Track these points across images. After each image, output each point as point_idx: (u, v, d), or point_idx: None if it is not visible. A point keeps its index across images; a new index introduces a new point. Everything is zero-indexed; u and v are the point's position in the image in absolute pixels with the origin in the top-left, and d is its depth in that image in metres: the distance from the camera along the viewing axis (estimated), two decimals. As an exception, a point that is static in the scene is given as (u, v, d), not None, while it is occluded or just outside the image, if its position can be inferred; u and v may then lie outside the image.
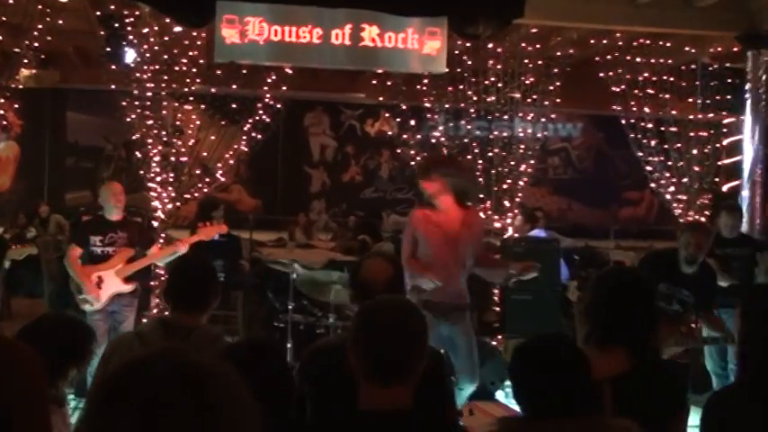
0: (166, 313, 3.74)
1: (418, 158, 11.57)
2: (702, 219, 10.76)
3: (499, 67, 10.14)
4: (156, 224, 9.36)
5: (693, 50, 10.19)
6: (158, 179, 9.51)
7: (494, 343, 8.81)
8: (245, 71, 9.94)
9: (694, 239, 6.28)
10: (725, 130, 10.93)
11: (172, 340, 3.19)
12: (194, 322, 3.42)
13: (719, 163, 11.15)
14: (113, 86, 9.83)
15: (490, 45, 9.95)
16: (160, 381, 1.16)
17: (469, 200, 5.68)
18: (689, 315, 5.99)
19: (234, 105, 10.50)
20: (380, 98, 12.18)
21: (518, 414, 2.54)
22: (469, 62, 10.24)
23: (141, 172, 9.62)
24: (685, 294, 6.00)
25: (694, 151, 10.97)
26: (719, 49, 9.99)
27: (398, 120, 11.97)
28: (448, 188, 5.52)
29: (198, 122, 10.16)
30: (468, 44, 9.61)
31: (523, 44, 10.06)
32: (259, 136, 10.61)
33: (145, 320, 7.39)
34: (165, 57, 9.36)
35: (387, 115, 12.89)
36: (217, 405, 1.16)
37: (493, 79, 10.22)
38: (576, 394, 2.38)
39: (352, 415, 2.33)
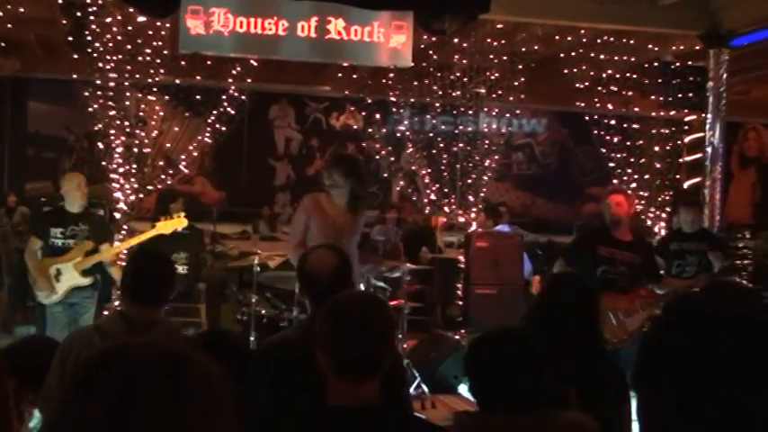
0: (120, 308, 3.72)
1: (383, 152, 11.59)
2: (663, 215, 10.91)
3: (465, 62, 10.18)
4: (118, 216, 9.28)
5: (656, 48, 10.29)
6: (121, 170, 9.42)
7: (457, 337, 8.85)
8: (209, 62, 9.88)
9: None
10: (686, 127, 11.07)
11: (133, 334, 3.17)
12: (154, 315, 3.41)
13: (681, 160, 11.29)
14: (75, 76, 9.71)
15: (456, 40, 9.98)
16: (139, 362, 1.19)
17: (359, 207, 5.76)
18: (639, 279, 6.15)
19: (198, 97, 10.43)
20: (346, 91, 12.17)
21: (475, 409, 2.55)
22: (435, 57, 10.27)
23: (103, 163, 9.51)
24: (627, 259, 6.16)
25: (656, 148, 11.10)
26: (682, 47, 10.10)
27: (364, 113, 11.97)
28: (346, 187, 5.66)
29: (161, 113, 10.07)
30: (433, 39, 9.63)
31: (489, 40, 10.10)
32: (223, 128, 10.55)
33: (106, 313, 7.33)
34: (129, 47, 9.26)
35: (352, 109, 12.88)
36: (193, 390, 1.18)
37: (458, 74, 10.26)
38: (530, 389, 2.40)
39: (320, 410, 2.32)
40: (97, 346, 1.31)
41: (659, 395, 1.15)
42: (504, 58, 10.33)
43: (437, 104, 10.75)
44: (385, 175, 13.13)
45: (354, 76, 11.63)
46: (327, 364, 2.34)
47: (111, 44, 9.15)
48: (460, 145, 10.47)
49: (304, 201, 5.93)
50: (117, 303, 8.43)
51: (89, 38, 9.02)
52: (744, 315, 1.15)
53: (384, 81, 10.92)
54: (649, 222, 11.31)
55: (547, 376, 2.45)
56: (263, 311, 7.95)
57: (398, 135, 11.42)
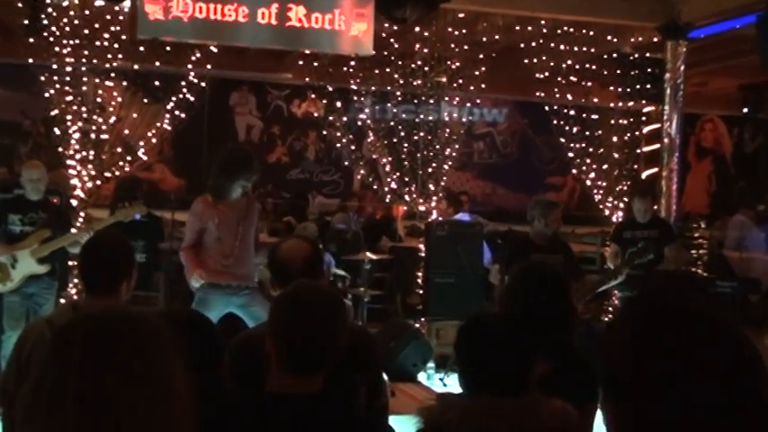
0: (75, 297, 3.61)
1: (344, 140, 11.57)
2: (621, 205, 11.03)
3: (426, 51, 10.19)
4: (75, 203, 9.17)
5: (615, 40, 10.39)
6: (78, 157, 9.30)
7: (417, 325, 8.89)
8: (168, 48, 9.77)
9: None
10: (644, 118, 11.19)
11: None
12: (108, 305, 3.28)
13: (639, 150, 11.41)
14: (32, 60, 9.56)
15: (417, 29, 9.98)
16: (103, 323, 1.43)
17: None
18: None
19: (157, 83, 10.30)
20: (307, 79, 12.12)
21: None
22: (396, 45, 10.27)
23: (60, 149, 9.39)
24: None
25: (615, 138, 11.21)
26: (640, 39, 10.21)
27: (325, 101, 11.94)
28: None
29: (119, 99, 9.95)
30: (395, 27, 9.63)
31: (450, 29, 10.12)
32: (183, 114, 10.45)
33: (63, 301, 7.26)
34: (86, 31, 9.14)
35: (313, 96, 12.82)
36: (148, 348, 1.40)
37: (419, 63, 10.27)
38: (519, 374, 2.42)
39: (260, 397, 2.33)
40: (48, 339, 1.44)
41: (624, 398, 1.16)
42: (465, 47, 10.36)
43: (398, 93, 10.76)
44: (346, 163, 13.12)
45: (316, 64, 11.58)
46: (275, 352, 2.34)
47: (68, 28, 9.02)
48: (421, 134, 10.49)
49: (194, 203, 6.12)
50: (74, 291, 8.35)
51: (45, 22, 8.89)
52: (700, 314, 1.16)
53: (345, 69, 10.90)
54: (607, 212, 11.43)
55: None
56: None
57: (359, 123, 11.41)
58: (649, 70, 10.08)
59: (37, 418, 1.33)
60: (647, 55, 10.16)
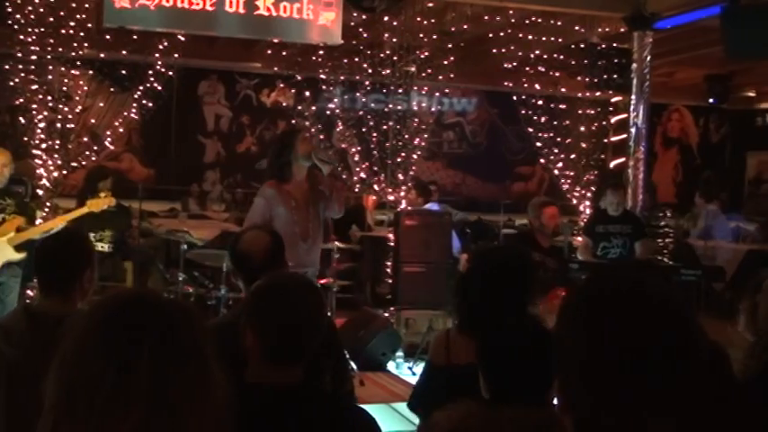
0: (28, 301, 3.46)
1: (313, 130, 11.54)
2: (588, 194, 11.11)
3: (395, 40, 10.16)
4: (41, 193, 9.08)
5: (583, 30, 10.43)
6: (44, 146, 9.21)
7: (386, 315, 8.91)
8: (135, 36, 9.69)
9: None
10: (611, 108, 11.27)
11: (37, 332, 2.86)
12: (65, 308, 2.97)
13: (606, 140, 11.49)
14: (-5, 48, 9.44)
15: (386, 18, 9.97)
16: (159, 313, 1.36)
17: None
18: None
19: (124, 72, 10.22)
20: (276, 68, 12.06)
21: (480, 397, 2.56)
22: (365, 35, 10.24)
23: (26, 139, 9.29)
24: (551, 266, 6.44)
25: (582, 128, 11.28)
26: (607, 29, 10.25)
27: (294, 91, 11.89)
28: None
29: (86, 88, 9.85)
30: (363, 17, 9.60)
31: (419, 18, 10.11)
32: (150, 104, 10.37)
33: (29, 292, 7.20)
34: (51, 19, 9.03)
35: (282, 86, 12.77)
36: (198, 335, 1.38)
37: (388, 52, 10.25)
38: (541, 387, 2.42)
39: (239, 388, 2.32)
40: (80, 332, 1.36)
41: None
42: (434, 37, 10.35)
43: (367, 83, 10.75)
44: (315, 152, 13.08)
45: (284, 53, 11.53)
46: (255, 345, 2.34)
47: (33, 16, 8.91)
48: (390, 123, 10.48)
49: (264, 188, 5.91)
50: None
51: (9, 9, 8.77)
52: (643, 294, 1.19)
53: (314, 58, 10.86)
54: (575, 201, 11.51)
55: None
56: (191, 290, 7.90)
57: (328, 113, 11.38)
58: (616, 60, 10.14)
59: (83, 421, 1.24)
60: (614, 45, 10.22)
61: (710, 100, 14.72)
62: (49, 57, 9.14)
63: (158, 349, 1.29)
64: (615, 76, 10.17)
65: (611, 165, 11.25)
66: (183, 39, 9.96)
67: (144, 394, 1.25)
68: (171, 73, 10.39)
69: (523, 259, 3.32)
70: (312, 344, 2.37)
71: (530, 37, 10.80)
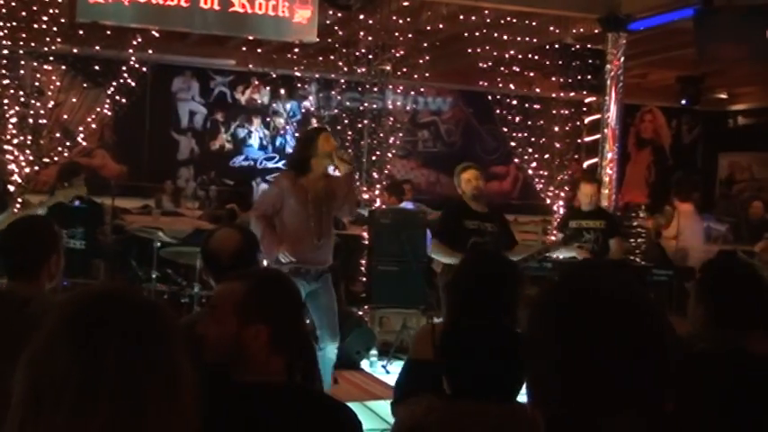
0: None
1: (288, 127, 11.52)
2: (562, 194, 11.18)
3: (370, 38, 10.17)
4: (12, 188, 9.00)
5: (557, 31, 10.50)
6: (15, 142, 9.13)
7: (360, 313, 8.91)
8: (109, 32, 9.62)
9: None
10: (585, 108, 11.35)
11: (3, 312, 2.88)
12: (31, 291, 2.98)
13: (580, 141, 11.57)
14: (-34, 43, 9.34)
15: (361, 16, 9.97)
16: (127, 308, 1.32)
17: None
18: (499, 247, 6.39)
19: (97, 67, 10.15)
20: (251, 65, 12.03)
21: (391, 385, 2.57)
22: (340, 33, 10.24)
23: (-4, 133, 9.21)
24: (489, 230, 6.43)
25: (556, 128, 11.35)
26: (582, 30, 10.33)
27: (269, 88, 11.87)
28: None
29: (58, 83, 9.78)
30: (339, 14, 9.61)
31: (394, 17, 10.13)
32: (123, 100, 10.31)
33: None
34: (24, 13, 8.95)
35: (257, 83, 12.74)
36: (167, 331, 1.34)
37: (363, 51, 10.25)
38: (505, 381, 2.43)
39: (225, 386, 2.32)
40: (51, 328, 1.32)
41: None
42: (410, 36, 10.37)
43: (342, 81, 10.74)
44: (290, 150, 13.06)
45: (259, 50, 11.51)
46: None
47: (4, 10, 8.83)
48: (365, 122, 10.49)
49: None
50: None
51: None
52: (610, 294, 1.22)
53: (289, 56, 10.84)
54: (548, 201, 11.58)
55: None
56: (164, 288, 7.87)
57: (303, 111, 11.38)
58: (590, 61, 10.22)
59: (49, 420, 1.21)
60: (589, 46, 10.30)
61: (683, 101, 14.85)
62: (21, 51, 9.07)
63: (126, 347, 1.26)
64: (589, 76, 10.25)
65: (585, 165, 11.33)
66: (157, 35, 9.90)
67: (110, 393, 1.23)
68: (144, 69, 10.34)
69: (512, 266, 3.36)
70: (297, 340, 2.39)
71: (505, 37, 10.85)
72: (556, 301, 1.24)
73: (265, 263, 5.46)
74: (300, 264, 5.66)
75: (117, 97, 10.26)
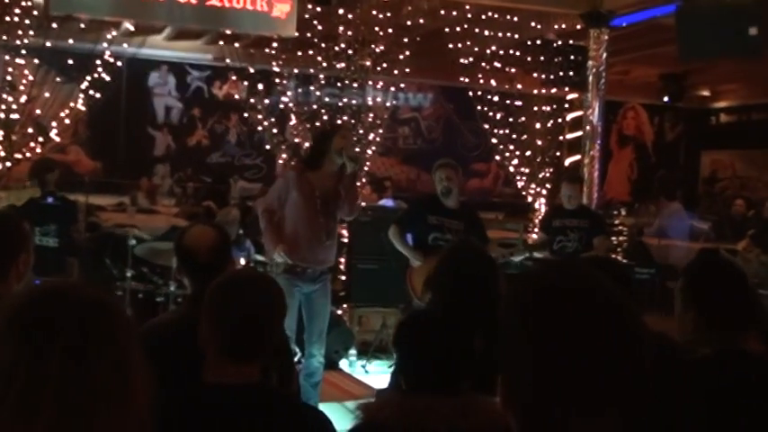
0: None
1: (266, 123, 11.48)
2: (544, 191, 11.22)
3: (350, 33, 10.16)
4: (-17, 185, 8.93)
5: (539, 26, 10.53)
6: (-14, 137, 9.05)
7: (339, 312, 8.90)
8: (83, 25, 9.54)
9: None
10: (567, 105, 11.38)
11: None
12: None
13: (562, 138, 11.61)
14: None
15: (341, 11, 9.96)
16: (77, 307, 1.29)
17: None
18: None
19: (71, 61, 10.07)
20: (228, 60, 11.99)
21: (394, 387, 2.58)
22: (320, 27, 10.22)
23: (-33, 129, 9.13)
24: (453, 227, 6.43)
25: (538, 125, 11.38)
26: (564, 26, 10.36)
27: (247, 83, 11.81)
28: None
29: (31, 78, 9.69)
30: (318, 9, 9.58)
31: (374, 12, 10.12)
32: (98, 95, 10.24)
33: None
34: (-5, 6, 8.88)
35: (235, 78, 12.68)
36: (120, 331, 1.31)
37: (343, 46, 10.24)
38: (456, 372, 2.44)
39: (198, 388, 2.32)
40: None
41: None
42: (390, 31, 10.36)
43: (321, 76, 10.71)
44: (268, 147, 13.01)
45: (237, 45, 11.46)
46: (212, 342, 2.34)
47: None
48: (345, 118, 10.48)
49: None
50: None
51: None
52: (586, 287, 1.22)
53: (267, 51, 10.80)
54: (530, 199, 11.61)
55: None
56: (140, 287, 7.83)
57: (282, 106, 11.33)
58: (572, 57, 10.25)
59: None
60: (571, 42, 10.33)
61: (665, 98, 14.95)
62: (-8, 44, 8.98)
63: (71, 346, 1.24)
64: (571, 73, 10.29)
65: (567, 162, 11.37)
66: (132, 28, 9.85)
67: (55, 393, 1.20)
68: (120, 63, 10.27)
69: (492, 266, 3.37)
70: (271, 341, 2.39)
71: (486, 32, 10.87)
72: (521, 299, 1.25)
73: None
74: (298, 262, 5.65)
75: (91, 92, 10.18)
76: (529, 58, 10.88)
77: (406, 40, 10.60)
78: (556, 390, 1.16)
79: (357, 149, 9.36)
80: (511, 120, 11.53)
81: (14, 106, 9.32)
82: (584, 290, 1.21)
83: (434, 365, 2.46)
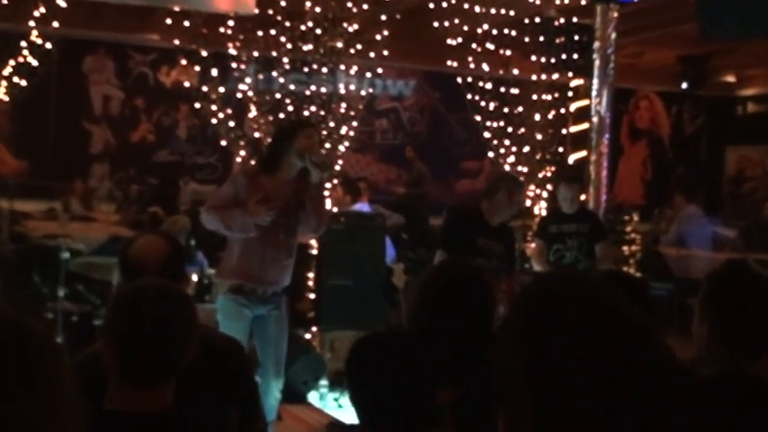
0: None
1: (221, 116, 11.45)
2: (544, 194, 11.24)
3: (318, 10, 10.15)
4: None
5: (538, 2, 10.56)
6: None
7: (307, 336, 8.89)
8: (5, 2, 9.51)
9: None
10: (571, 93, 11.41)
11: None
12: None
13: (565, 131, 11.64)
14: None
15: (308, -15, 9.97)
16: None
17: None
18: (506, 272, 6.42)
19: (-9, 43, 10.05)
20: (177, 42, 11.95)
21: (345, 422, 2.56)
22: (283, 4, 10.21)
23: None
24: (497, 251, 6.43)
25: (537, 117, 11.40)
26: (566, 1, 10.39)
27: (198, 69, 11.79)
28: None
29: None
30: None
31: (347, -15, 10.13)
32: (24, 82, 10.20)
33: None
34: None
35: (184, 63, 12.66)
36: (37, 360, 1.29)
37: (310, 24, 10.23)
38: (414, 407, 2.41)
39: (97, 415, 2.30)
40: None
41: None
42: (365, 7, 10.36)
43: (285, 60, 10.70)
44: (224, 143, 12.98)
45: (187, 24, 11.42)
46: (112, 364, 2.34)
47: None
48: (313, 108, 10.47)
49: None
50: None
51: None
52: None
53: (223, 31, 10.78)
54: (529, 202, 11.64)
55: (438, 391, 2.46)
56: (74, 308, 7.80)
57: (240, 96, 11.31)
58: (577, 38, 10.29)
59: None
60: (574, 20, 10.36)
61: (684, 85, 15.04)
62: None
63: None
64: (575, 56, 10.32)
65: (571, 159, 11.40)
66: (64, 5, 9.80)
67: None
68: (49, 45, 10.23)
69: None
70: (181, 362, 2.38)
71: (477, 9, 10.88)
72: (527, 317, 1.26)
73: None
74: (243, 282, 5.60)
75: (15, 79, 10.15)
76: (526, 39, 10.91)
77: (383, 17, 10.60)
78: (557, 412, 1.17)
79: (324, 151, 9.34)
80: (506, 110, 11.54)
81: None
82: (592, 308, 1.22)
83: (387, 399, 2.41)
